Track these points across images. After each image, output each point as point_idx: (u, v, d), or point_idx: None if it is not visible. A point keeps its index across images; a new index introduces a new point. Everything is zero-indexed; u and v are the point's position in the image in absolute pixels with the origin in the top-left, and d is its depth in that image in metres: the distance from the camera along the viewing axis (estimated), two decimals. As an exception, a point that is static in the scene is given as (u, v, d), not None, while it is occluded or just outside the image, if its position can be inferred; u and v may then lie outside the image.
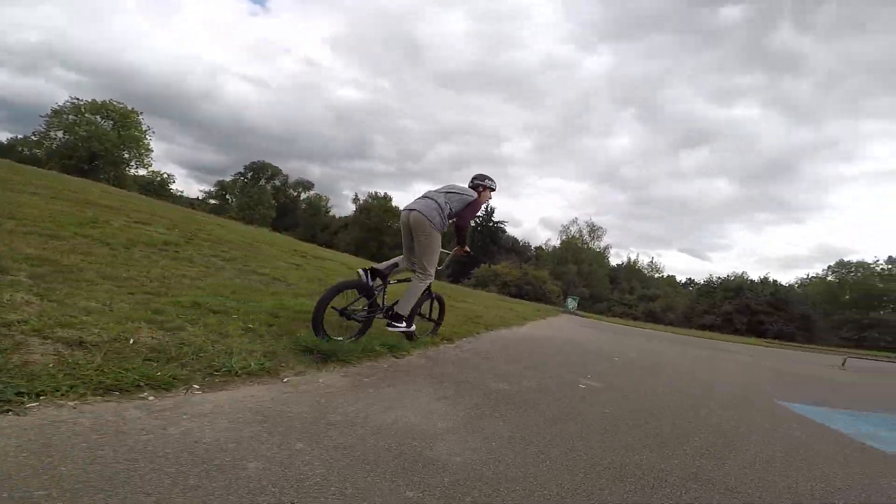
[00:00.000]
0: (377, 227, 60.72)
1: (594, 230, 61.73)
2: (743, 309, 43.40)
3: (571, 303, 25.66)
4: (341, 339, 3.65)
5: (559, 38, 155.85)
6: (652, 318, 46.46)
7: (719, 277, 49.97)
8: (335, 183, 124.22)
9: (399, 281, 4.38)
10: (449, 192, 4.26)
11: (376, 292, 4.00)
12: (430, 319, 4.98)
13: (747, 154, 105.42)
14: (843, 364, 12.20)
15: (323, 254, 15.53)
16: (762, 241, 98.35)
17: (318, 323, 3.47)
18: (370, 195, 64.25)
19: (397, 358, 3.88)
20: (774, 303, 43.85)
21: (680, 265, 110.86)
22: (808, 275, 55.73)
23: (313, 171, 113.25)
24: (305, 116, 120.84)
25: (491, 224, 62.79)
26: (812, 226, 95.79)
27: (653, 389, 4.63)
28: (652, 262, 68.50)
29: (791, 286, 49.71)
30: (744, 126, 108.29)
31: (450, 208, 4.12)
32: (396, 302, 4.06)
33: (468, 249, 4.62)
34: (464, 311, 8.61)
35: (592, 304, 51.81)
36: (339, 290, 3.70)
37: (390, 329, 4.00)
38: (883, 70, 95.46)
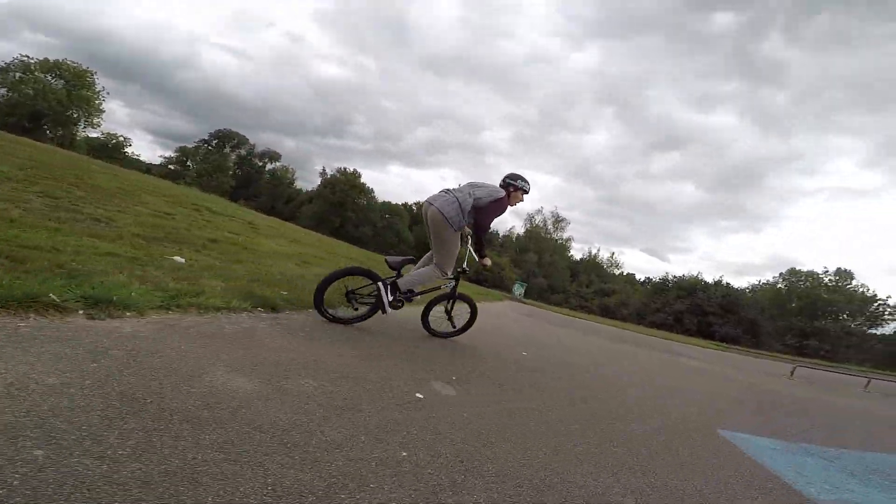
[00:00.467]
0: (341, 202, 58.48)
1: (558, 221, 61.49)
2: (694, 309, 43.81)
3: (518, 289, 24.66)
4: (339, 315, 3.80)
5: (549, 31, 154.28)
6: (607, 312, 46.44)
7: (675, 276, 50.23)
8: (308, 158, 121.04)
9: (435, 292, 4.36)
10: (474, 188, 3.98)
11: (385, 283, 3.81)
12: (450, 318, 4.48)
13: (717, 161, 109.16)
14: (791, 374, 11.36)
15: (235, 212, 13.49)
16: (721, 247, 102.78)
17: (318, 302, 3.64)
18: (338, 170, 61.72)
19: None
20: (726, 305, 44.42)
21: (641, 264, 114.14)
22: (759, 281, 57.06)
23: (286, 145, 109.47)
24: (284, 90, 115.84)
25: (459, 208, 61.59)
26: (768, 235, 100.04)
27: (522, 406, 3.07)
28: (612, 257, 68.41)
29: (743, 291, 50.73)
30: (718, 133, 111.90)
31: (472, 207, 3.86)
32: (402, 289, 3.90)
33: (487, 262, 4.22)
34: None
35: (550, 295, 51.72)
36: (346, 273, 3.84)
37: (379, 291, 3.76)
38: (859, 86, 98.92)
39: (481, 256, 4.17)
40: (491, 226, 4.13)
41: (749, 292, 51.30)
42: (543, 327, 10.12)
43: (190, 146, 62.41)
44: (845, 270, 49.43)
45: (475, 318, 4.61)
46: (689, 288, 45.57)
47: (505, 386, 3.34)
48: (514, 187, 4.13)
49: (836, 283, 48.72)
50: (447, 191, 3.90)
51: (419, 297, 4.07)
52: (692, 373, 7.86)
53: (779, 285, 52.65)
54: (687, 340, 25.16)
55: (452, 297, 4.42)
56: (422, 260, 4.22)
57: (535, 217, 60.99)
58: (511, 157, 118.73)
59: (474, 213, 3.87)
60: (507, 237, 61.30)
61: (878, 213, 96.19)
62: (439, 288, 4.32)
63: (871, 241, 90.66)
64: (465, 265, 4.27)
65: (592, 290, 57.89)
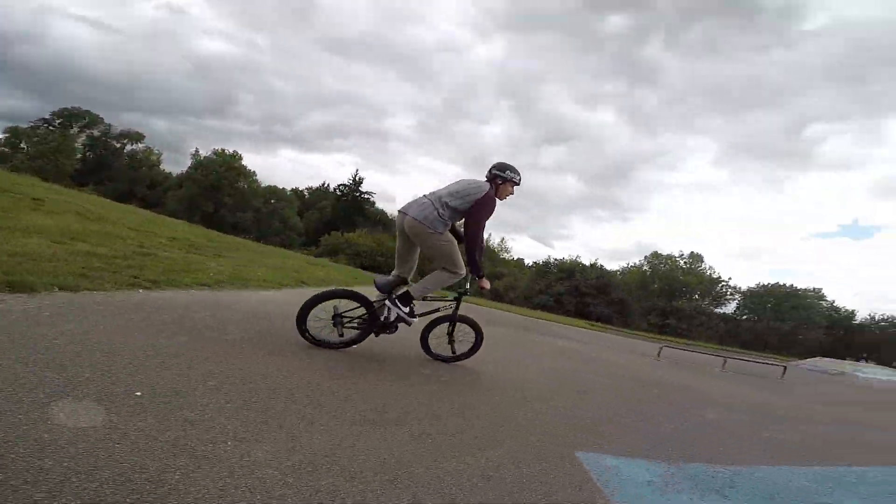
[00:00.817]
0: (215, 186, 52.22)
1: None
2: (573, 290, 46.32)
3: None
4: (322, 339, 3.50)
5: (459, 20, 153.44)
6: (496, 296, 46.75)
7: (556, 259, 52.77)
8: (183, 140, 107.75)
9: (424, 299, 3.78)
10: (452, 189, 3.51)
11: (376, 306, 3.56)
12: (450, 342, 4.05)
13: (596, 156, 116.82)
14: (658, 355, 11.43)
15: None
16: (596, 234, 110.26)
17: (301, 323, 3.41)
18: (215, 151, 55.06)
19: None
20: (600, 286, 47.60)
21: (530, 251, 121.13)
22: (628, 264, 61.72)
23: (156, 126, 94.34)
24: (156, 65, 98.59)
25: (357, 194, 59.87)
26: (635, 224, 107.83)
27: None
28: (502, 241, 70.24)
29: (614, 273, 55.02)
30: (599, 129, 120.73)
31: (451, 208, 3.40)
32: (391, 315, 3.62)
33: (486, 285, 3.78)
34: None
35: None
36: (331, 296, 3.54)
37: (390, 306, 3.52)
38: (718, 92, 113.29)
39: (479, 276, 3.68)
40: (483, 233, 3.57)
41: (619, 275, 55.83)
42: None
43: (25, 126, 52.40)
44: (696, 254, 56.30)
45: (480, 344, 4.18)
46: (569, 270, 48.24)
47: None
48: (502, 178, 3.62)
49: (690, 265, 55.35)
50: (424, 195, 3.54)
51: (417, 319, 3.68)
52: (565, 358, 7.13)
53: (644, 268, 57.96)
54: (569, 322, 25.92)
55: (454, 319, 4.01)
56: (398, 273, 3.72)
57: (434, 201, 60.25)
58: (414, 144, 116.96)
59: (464, 216, 3.49)
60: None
61: (723, 205, 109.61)
62: (438, 310, 3.97)
63: (717, 229, 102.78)
64: (466, 286, 3.96)
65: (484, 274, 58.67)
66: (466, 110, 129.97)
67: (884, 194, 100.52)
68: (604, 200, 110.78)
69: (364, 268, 29.22)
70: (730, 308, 55.46)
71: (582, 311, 44.67)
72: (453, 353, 4.05)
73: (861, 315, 53.49)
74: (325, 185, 65.78)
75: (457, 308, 3.98)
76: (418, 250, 3.61)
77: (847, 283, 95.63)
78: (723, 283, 54.88)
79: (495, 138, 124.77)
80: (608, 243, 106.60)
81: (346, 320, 3.48)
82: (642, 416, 3.86)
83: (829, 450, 3.98)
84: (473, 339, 4.13)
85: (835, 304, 53.73)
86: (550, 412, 3.31)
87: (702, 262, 55.62)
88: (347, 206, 58.22)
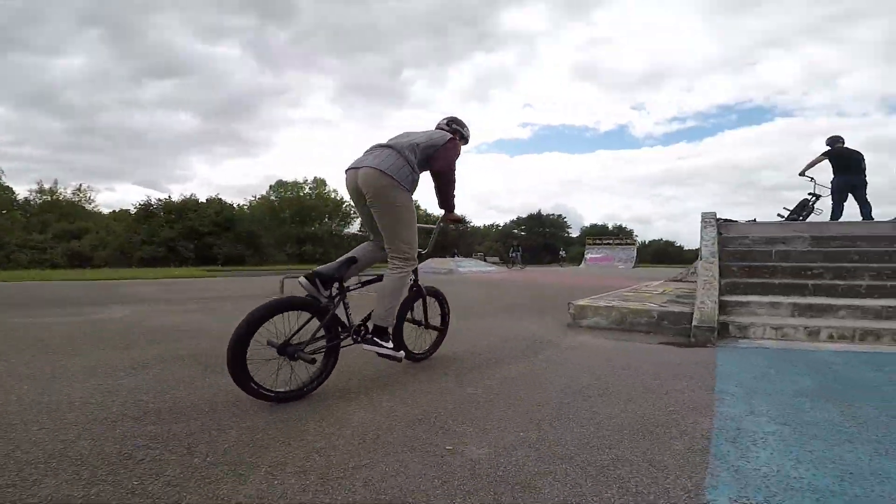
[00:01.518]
0: None
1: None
2: (189, 233, 37.83)
3: None
4: (285, 390, 2.31)
5: None
6: (78, 259, 35.71)
7: (159, 199, 40.98)
8: None
9: (366, 282, 3.02)
10: (410, 136, 2.88)
11: (333, 306, 2.54)
12: (428, 326, 3.34)
13: (217, 91, 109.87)
14: (280, 289, 7.80)
15: None
16: (221, 172, 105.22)
17: (238, 370, 2.14)
18: None
19: None
20: (222, 223, 40.76)
21: (139, 198, 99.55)
22: (255, 196, 56.36)
23: None
24: None
25: None
26: (264, 159, 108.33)
27: None
28: (80, 190, 49.55)
29: (240, 207, 48.73)
30: (222, 64, 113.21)
31: (416, 156, 2.77)
32: (369, 315, 2.78)
33: (459, 216, 3.15)
34: None
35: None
36: (270, 312, 2.26)
37: (369, 349, 2.70)
38: (340, 33, 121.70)
39: (450, 209, 3.03)
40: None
41: (246, 208, 49.77)
42: None
43: None
44: (320, 179, 56.28)
45: (448, 315, 3.51)
46: (179, 210, 38.33)
47: None
48: (459, 135, 3.14)
49: (315, 189, 55.07)
50: (378, 145, 2.81)
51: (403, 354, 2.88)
52: None
53: (271, 197, 53.73)
54: (187, 273, 18.38)
55: (421, 294, 3.21)
56: (359, 250, 2.90)
57: None
58: None
59: (427, 160, 2.84)
60: None
61: (339, 139, 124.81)
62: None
63: (336, 159, 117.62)
64: (439, 223, 3.21)
65: (51, 235, 40.82)
66: (24, 38, 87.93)
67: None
68: (226, 137, 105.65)
69: None
70: (355, 227, 59.83)
71: (206, 255, 37.32)
72: (436, 327, 3.41)
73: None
74: None
75: (416, 278, 3.09)
76: None
77: (430, 196, 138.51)
78: (346, 203, 57.42)
79: (73, 72, 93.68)
80: (236, 180, 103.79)
81: (299, 348, 2.36)
82: None
83: None
84: (439, 305, 3.45)
85: (427, 212, 66.94)
86: None
87: (325, 185, 56.03)
88: None
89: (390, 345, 2.73)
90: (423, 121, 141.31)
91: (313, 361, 2.41)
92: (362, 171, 2.67)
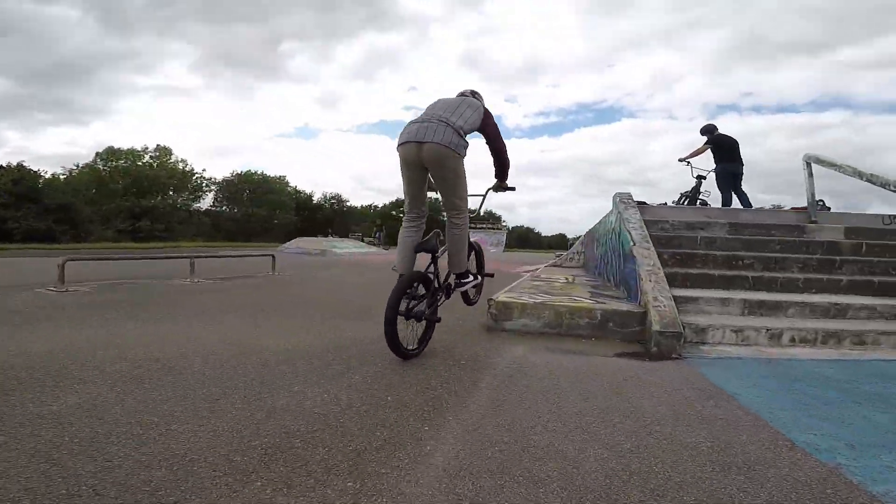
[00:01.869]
0: None
1: None
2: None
3: None
4: (412, 347, 2.85)
5: None
6: None
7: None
8: None
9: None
10: (461, 111, 3.07)
11: (431, 274, 3.03)
12: (481, 274, 3.75)
13: (40, 54, 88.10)
14: (60, 276, 5.63)
15: None
16: (41, 141, 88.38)
17: (395, 339, 2.64)
18: None
19: None
20: (24, 193, 39.03)
21: None
22: (76, 164, 46.00)
23: None
24: None
25: None
26: (96, 127, 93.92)
27: None
28: None
29: (54, 176, 41.44)
30: (51, 25, 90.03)
31: (463, 129, 2.99)
32: (448, 274, 3.20)
33: (509, 185, 3.50)
34: None
35: None
36: (404, 290, 2.73)
37: (462, 289, 3.28)
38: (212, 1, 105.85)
39: (504, 179, 3.44)
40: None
41: (63, 178, 41.80)
42: None
43: None
44: (164, 147, 47.67)
45: (483, 262, 3.83)
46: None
47: None
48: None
49: (158, 159, 46.42)
50: (431, 119, 2.93)
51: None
52: None
53: (98, 165, 45.23)
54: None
55: (473, 248, 3.54)
56: (414, 236, 3.15)
57: None
58: None
59: (489, 142, 3.26)
60: None
61: (197, 109, 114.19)
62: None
63: (190, 131, 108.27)
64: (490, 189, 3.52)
65: None
66: None
67: (327, 104, 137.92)
68: (49, 103, 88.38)
69: None
70: (208, 202, 51.60)
71: (3, 231, 39.41)
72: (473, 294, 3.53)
73: (317, 197, 63.80)
74: None
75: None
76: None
77: (302, 173, 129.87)
78: (197, 176, 48.28)
79: None
80: (58, 149, 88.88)
81: (419, 312, 2.83)
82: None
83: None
84: (475, 256, 3.71)
85: (297, 189, 61.26)
86: None
87: (171, 155, 47.47)
88: None
89: (474, 280, 3.33)
90: (301, 98, 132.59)
91: (439, 320, 3.02)
92: (427, 146, 2.86)
